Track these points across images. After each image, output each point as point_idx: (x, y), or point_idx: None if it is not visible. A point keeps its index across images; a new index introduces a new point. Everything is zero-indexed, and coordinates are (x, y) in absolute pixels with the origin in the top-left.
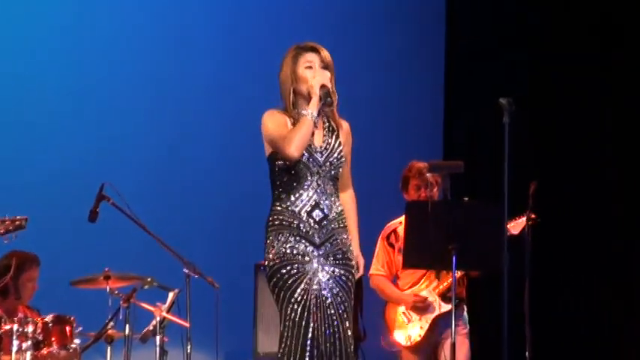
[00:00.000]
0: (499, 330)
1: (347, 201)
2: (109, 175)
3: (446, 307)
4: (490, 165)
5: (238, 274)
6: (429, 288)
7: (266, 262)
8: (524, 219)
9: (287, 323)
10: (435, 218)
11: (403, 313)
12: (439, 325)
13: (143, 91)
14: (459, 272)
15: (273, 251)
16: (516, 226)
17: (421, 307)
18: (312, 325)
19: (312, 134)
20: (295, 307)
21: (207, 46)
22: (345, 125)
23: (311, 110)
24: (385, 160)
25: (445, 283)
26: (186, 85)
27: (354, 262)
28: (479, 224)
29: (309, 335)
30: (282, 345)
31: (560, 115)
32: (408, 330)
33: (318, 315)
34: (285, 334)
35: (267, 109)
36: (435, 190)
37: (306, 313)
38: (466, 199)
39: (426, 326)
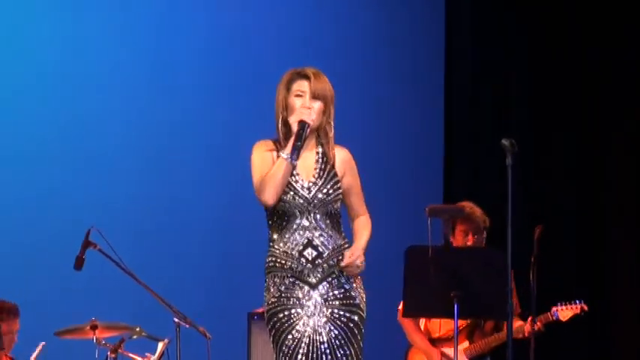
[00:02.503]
0: None
1: (360, 221)
2: (96, 220)
3: None
4: (493, 208)
5: (231, 324)
6: (459, 347)
7: (264, 305)
8: (576, 307)
9: None
10: (435, 264)
11: None
12: None
13: (133, 132)
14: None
15: (269, 295)
16: (566, 313)
17: None
18: None
19: (295, 169)
20: (286, 351)
21: (194, 85)
22: (342, 154)
23: (287, 151)
24: (383, 205)
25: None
26: (180, 124)
27: (358, 301)
28: (482, 270)
29: None
30: None
31: (566, 155)
32: None
33: None
34: None
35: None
36: (484, 235)
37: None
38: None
39: None
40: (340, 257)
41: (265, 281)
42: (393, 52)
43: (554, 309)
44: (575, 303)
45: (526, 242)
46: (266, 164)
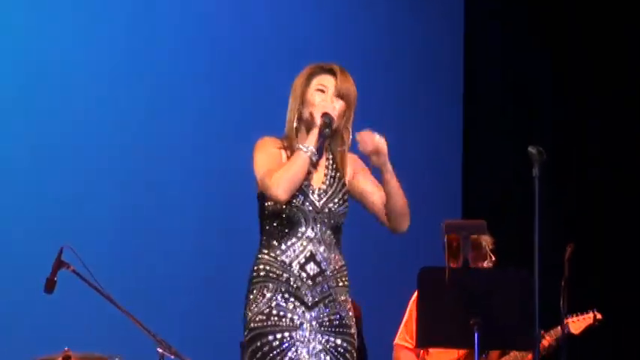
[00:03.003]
0: None
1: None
2: (69, 237)
3: None
4: (517, 224)
5: (221, 354)
6: None
7: (246, 321)
8: (588, 317)
9: None
10: (453, 288)
11: None
12: None
13: (112, 136)
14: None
15: (256, 309)
16: (578, 325)
17: None
18: None
19: (309, 173)
20: None
21: (185, 88)
22: (349, 158)
23: (308, 144)
24: None
25: None
26: (159, 135)
27: (353, 330)
28: (505, 295)
29: None
30: None
31: (599, 166)
32: None
33: None
34: None
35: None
36: (493, 259)
37: None
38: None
39: None
40: (339, 279)
41: (250, 292)
42: (409, 58)
43: (565, 321)
44: (588, 313)
45: (554, 259)
46: (274, 161)
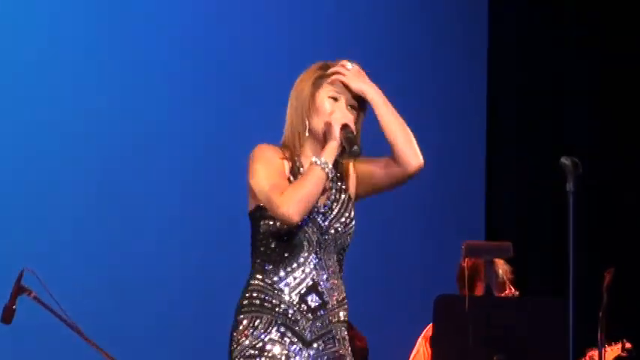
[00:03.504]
0: None
1: None
2: (30, 259)
3: None
4: (548, 247)
5: None
6: None
7: (232, 356)
8: (616, 347)
9: None
10: (474, 319)
11: None
12: None
13: (75, 149)
14: None
15: (246, 342)
16: (606, 356)
17: None
18: None
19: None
20: None
21: (172, 93)
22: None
23: (325, 159)
24: (410, 240)
25: None
26: (131, 143)
27: None
28: (534, 327)
29: None
30: None
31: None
32: None
33: None
34: None
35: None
36: (512, 290)
37: None
38: (516, 292)
39: None
40: (340, 314)
41: (239, 322)
42: (428, 66)
43: (590, 352)
44: (616, 342)
45: (590, 286)
46: (277, 174)
